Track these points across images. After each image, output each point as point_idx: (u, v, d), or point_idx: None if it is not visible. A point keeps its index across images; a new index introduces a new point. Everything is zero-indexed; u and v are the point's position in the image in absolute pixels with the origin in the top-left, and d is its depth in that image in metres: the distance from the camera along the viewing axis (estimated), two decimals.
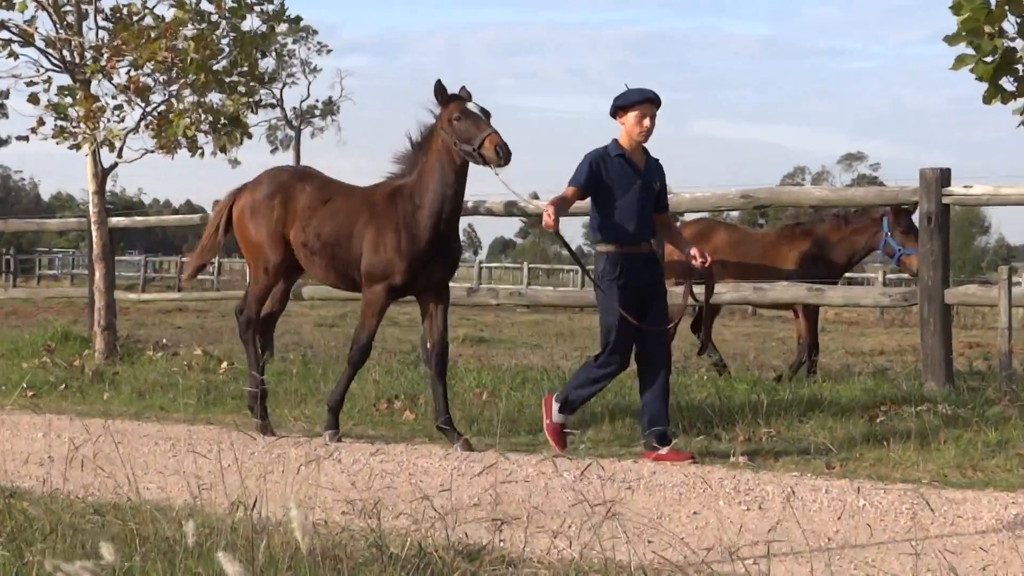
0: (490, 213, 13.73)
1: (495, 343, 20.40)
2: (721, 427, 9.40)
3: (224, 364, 13.66)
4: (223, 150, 14.93)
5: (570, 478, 7.45)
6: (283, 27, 15.37)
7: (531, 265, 62.66)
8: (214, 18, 14.54)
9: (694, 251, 8.81)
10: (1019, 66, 10.17)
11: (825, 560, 5.42)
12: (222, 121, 14.56)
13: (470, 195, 10.13)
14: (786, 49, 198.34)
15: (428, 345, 9.70)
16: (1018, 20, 10.06)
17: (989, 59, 10.04)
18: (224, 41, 14.61)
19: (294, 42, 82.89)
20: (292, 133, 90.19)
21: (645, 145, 8.94)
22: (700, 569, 5.10)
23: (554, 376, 11.96)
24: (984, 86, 10.33)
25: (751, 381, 11.22)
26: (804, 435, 9.08)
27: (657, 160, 9.02)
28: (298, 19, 15.29)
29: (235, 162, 77.63)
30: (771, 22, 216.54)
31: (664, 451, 8.47)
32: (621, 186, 8.79)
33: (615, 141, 8.90)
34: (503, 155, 8.89)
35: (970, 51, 10.11)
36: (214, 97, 14.60)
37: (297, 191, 9.97)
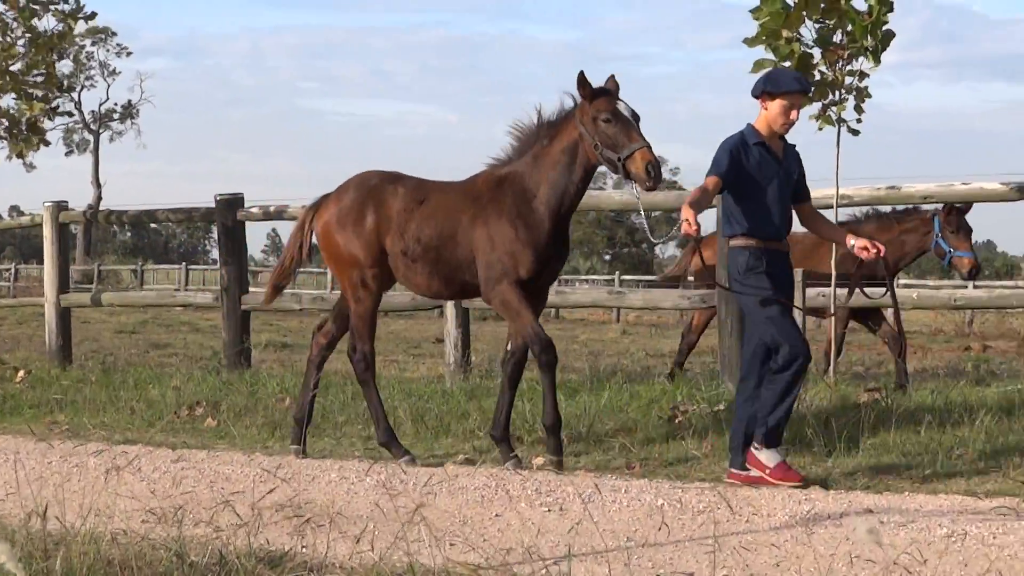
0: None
1: (298, 348, 20.21)
2: (523, 431, 9.45)
3: (21, 373, 13.32)
4: (19, 155, 14.57)
5: (373, 483, 7.43)
6: (81, 27, 15.06)
7: None
8: (7, 17, 14.17)
9: (861, 242, 7.85)
10: (815, 71, 10.47)
11: (624, 559, 5.48)
12: (19, 127, 14.19)
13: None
14: (590, 54, 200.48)
15: (509, 348, 8.68)
16: (815, 25, 10.35)
17: (787, 63, 10.31)
18: (20, 43, 14.25)
19: (92, 44, 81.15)
20: (90, 137, 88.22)
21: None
22: (501, 570, 5.12)
23: (358, 383, 11.88)
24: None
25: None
26: (605, 436, 9.18)
27: (794, 147, 8.10)
28: (93, 15, 14.96)
29: (30, 166, 75.72)
30: (575, 27, 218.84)
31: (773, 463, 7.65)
32: (762, 177, 7.82)
33: (752, 127, 7.89)
34: (654, 175, 7.93)
35: (769, 55, 10.37)
36: (9, 101, 14.23)
37: (389, 195, 8.83)
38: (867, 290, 8.60)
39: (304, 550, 5.56)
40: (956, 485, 7.52)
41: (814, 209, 8.29)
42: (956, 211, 11.99)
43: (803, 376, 7.89)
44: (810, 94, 7.92)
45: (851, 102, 10.47)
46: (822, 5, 10.18)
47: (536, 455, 8.68)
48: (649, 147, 7.97)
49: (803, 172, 8.08)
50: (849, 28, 10.24)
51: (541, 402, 8.55)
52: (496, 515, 6.94)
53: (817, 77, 10.48)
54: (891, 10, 10.23)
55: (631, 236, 78.24)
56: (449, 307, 12.72)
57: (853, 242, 7.84)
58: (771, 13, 10.18)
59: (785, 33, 10.24)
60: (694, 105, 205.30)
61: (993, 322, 30.21)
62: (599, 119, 8.10)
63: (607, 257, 77.75)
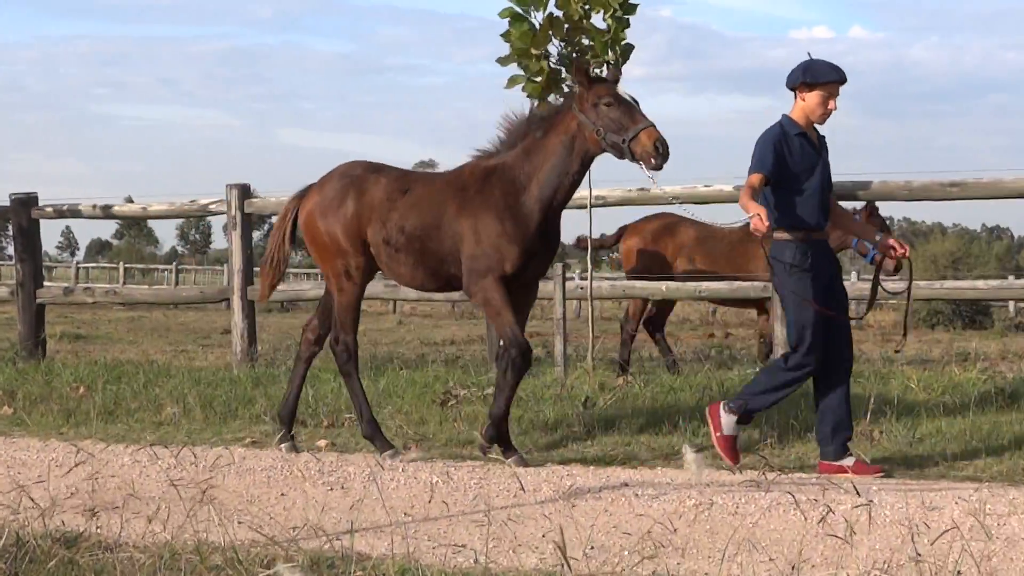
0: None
1: (92, 339, 19.68)
2: (307, 415, 9.36)
3: None
4: None
5: (165, 465, 7.27)
6: None
7: (127, 265, 60.96)
8: None
9: (891, 240, 7.52)
10: (564, 85, 10.63)
11: (403, 533, 5.47)
12: None
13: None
14: (364, 64, 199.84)
15: (502, 343, 7.94)
16: (561, 43, 10.52)
17: (538, 79, 10.46)
18: None
19: None
20: None
21: None
22: (287, 547, 5.06)
23: (150, 371, 11.64)
24: (535, 103, 10.72)
25: (334, 371, 11.21)
26: (384, 419, 9.14)
27: (824, 137, 7.57)
28: None
29: None
30: (351, 40, 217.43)
31: (849, 463, 7.28)
32: (804, 168, 7.33)
33: (789, 118, 7.39)
34: (663, 152, 7.37)
35: (521, 72, 10.52)
36: None
37: (371, 183, 8.17)
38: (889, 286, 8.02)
39: (98, 531, 5.40)
40: (706, 460, 7.66)
41: (836, 202, 7.83)
42: (877, 210, 11.88)
43: (800, 384, 7.46)
44: (845, 82, 7.34)
45: None
46: (566, 25, 10.37)
47: (320, 438, 8.61)
48: (654, 126, 7.42)
49: (829, 163, 7.55)
50: (591, 44, 10.44)
51: (341, 389, 8.28)
52: (282, 494, 6.86)
53: (566, 91, 10.64)
54: (627, 26, 10.45)
55: None
56: (236, 300, 12.57)
57: (878, 238, 7.58)
58: (520, 34, 10.32)
59: (534, 52, 10.39)
60: (460, 113, 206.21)
61: (734, 311, 30.97)
62: (600, 104, 7.54)
63: None
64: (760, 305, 12.06)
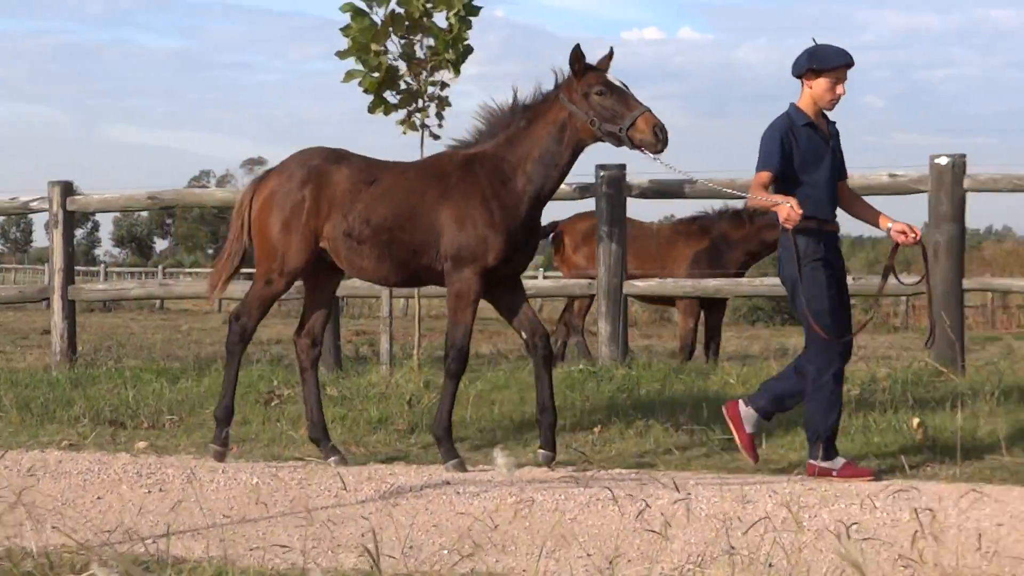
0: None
1: None
2: (127, 417, 9.18)
3: None
4: None
5: None
6: None
7: None
8: None
9: (899, 225, 7.14)
10: (401, 81, 10.62)
11: (221, 535, 5.39)
12: None
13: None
14: (196, 61, 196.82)
15: (526, 336, 7.62)
16: (401, 40, 10.51)
17: (376, 74, 10.45)
18: None
19: None
20: None
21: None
22: (102, 551, 4.95)
23: None
24: (370, 98, 10.70)
25: (156, 371, 11.03)
26: (206, 420, 9.00)
27: (835, 123, 7.32)
28: None
29: None
30: (183, 37, 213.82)
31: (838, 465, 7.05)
32: (814, 158, 7.10)
33: (796, 107, 7.17)
34: (662, 137, 7.17)
35: (359, 66, 10.49)
36: None
37: (333, 175, 7.72)
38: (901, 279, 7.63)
39: None
40: (526, 456, 7.71)
41: (849, 188, 7.53)
42: None
43: (841, 379, 7.15)
44: (853, 65, 7.12)
45: (433, 109, 10.70)
46: (406, 23, 10.37)
47: (140, 439, 8.45)
48: (650, 111, 7.22)
49: (841, 149, 7.34)
50: (431, 43, 10.46)
51: (163, 390, 8.05)
52: (98, 497, 6.71)
53: (403, 87, 10.65)
54: (470, 27, 10.49)
55: None
56: (56, 299, 12.27)
57: (891, 225, 7.19)
58: (360, 29, 10.29)
59: (374, 47, 10.36)
60: (293, 110, 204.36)
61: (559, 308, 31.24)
62: (592, 93, 7.31)
63: (211, 251, 76.44)
64: (684, 303, 12.22)
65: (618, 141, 7.28)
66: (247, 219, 7.95)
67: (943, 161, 10.42)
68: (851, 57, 7.09)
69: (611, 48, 7.44)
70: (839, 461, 7.02)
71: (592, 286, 11.44)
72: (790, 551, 4.71)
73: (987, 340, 20.13)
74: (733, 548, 4.68)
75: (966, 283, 10.67)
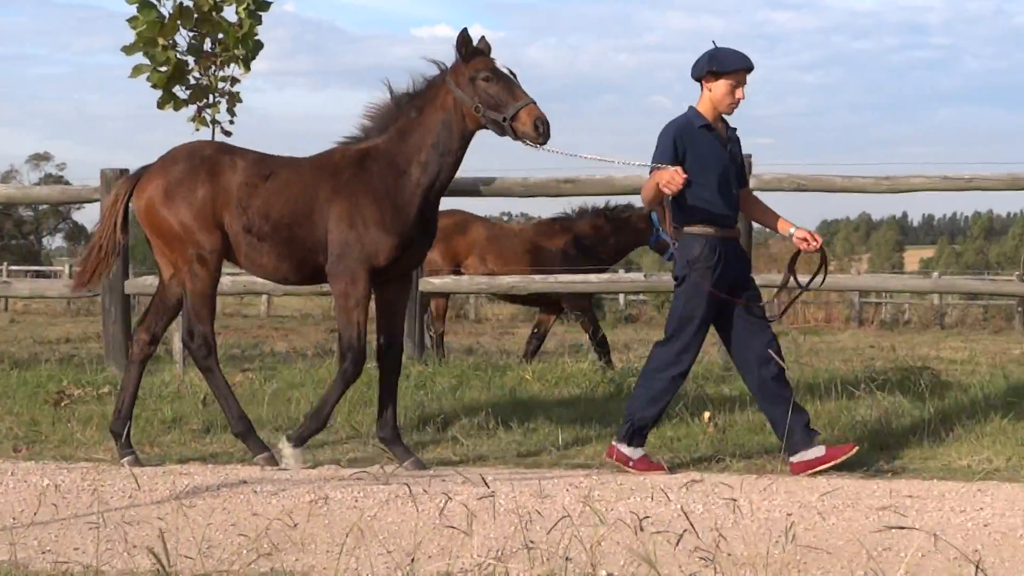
0: None
1: None
2: None
3: None
4: None
5: None
6: None
7: None
8: None
9: (801, 232, 7.11)
10: (190, 76, 10.44)
11: (10, 539, 5.21)
12: None
13: None
14: None
15: (380, 341, 7.45)
16: (189, 34, 10.32)
17: (163, 68, 10.24)
18: None
19: None
20: None
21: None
22: None
23: None
24: (159, 93, 10.49)
25: None
26: None
27: (735, 129, 7.27)
28: None
29: None
30: None
31: (820, 452, 7.02)
32: (710, 161, 7.02)
33: (695, 110, 7.12)
34: (543, 131, 6.98)
35: (147, 61, 10.27)
36: None
37: (226, 166, 7.39)
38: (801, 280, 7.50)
39: None
40: (323, 454, 7.66)
41: (751, 193, 7.59)
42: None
43: (680, 386, 7.27)
44: (752, 69, 7.12)
45: (224, 105, 10.55)
46: (195, 16, 10.20)
47: None
48: (535, 103, 7.03)
49: (742, 155, 7.35)
50: (221, 37, 10.31)
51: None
52: None
53: (192, 82, 10.47)
54: (260, 22, 10.38)
55: (19, 228, 75.17)
56: None
57: (792, 231, 7.17)
58: (147, 23, 10.10)
59: (161, 41, 10.17)
60: (79, 105, 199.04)
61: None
62: (478, 79, 7.11)
63: None
64: (549, 302, 12.34)
65: (500, 130, 7.09)
66: (120, 216, 7.55)
67: None
68: (751, 61, 7.10)
69: (483, 37, 7.27)
70: (638, 452, 7.10)
71: (454, 284, 11.51)
72: (588, 544, 4.76)
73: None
74: (532, 543, 4.70)
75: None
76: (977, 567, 3.60)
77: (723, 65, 7.04)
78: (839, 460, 6.94)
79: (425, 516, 5.68)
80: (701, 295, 7.00)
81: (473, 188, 11.14)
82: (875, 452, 7.56)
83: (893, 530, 5.37)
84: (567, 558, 4.42)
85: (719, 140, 7.10)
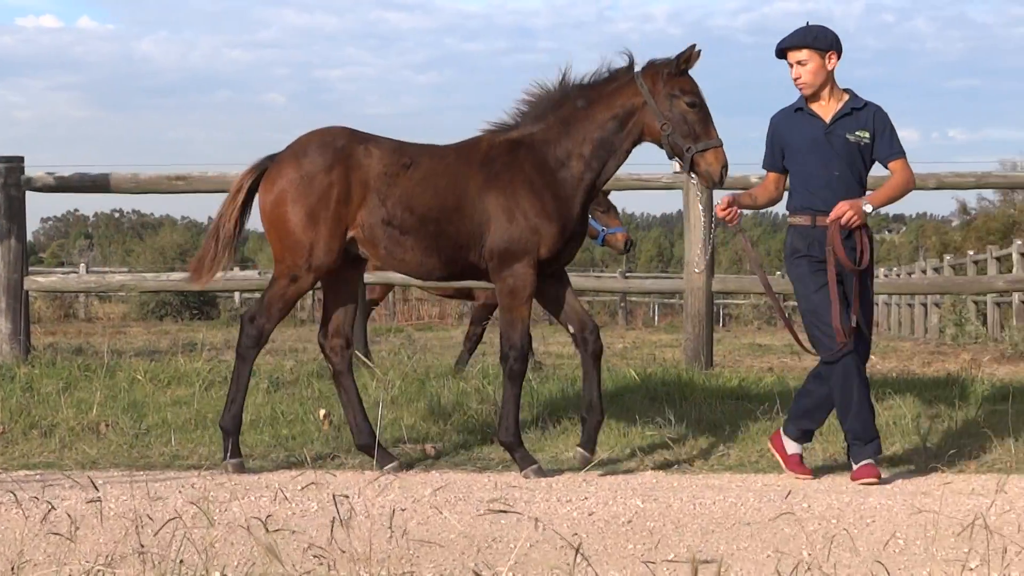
0: None
1: None
2: None
3: None
4: None
5: None
6: None
7: None
8: None
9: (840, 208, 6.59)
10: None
11: None
12: None
13: None
14: None
15: (574, 331, 6.98)
16: None
17: None
18: None
19: None
20: None
21: (846, 89, 6.79)
22: None
23: None
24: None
25: None
26: None
27: (865, 104, 6.72)
28: None
29: None
30: None
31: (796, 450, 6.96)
32: (802, 145, 6.72)
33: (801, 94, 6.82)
34: (722, 179, 6.76)
35: None
36: None
37: (362, 157, 6.85)
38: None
39: None
40: None
41: (898, 169, 6.78)
42: (603, 193, 11.28)
43: (860, 373, 6.67)
44: (802, 46, 6.69)
45: None
46: None
47: None
48: (723, 146, 6.78)
49: (880, 131, 6.72)
50: None
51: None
52: None
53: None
54: None
55: None
56: None
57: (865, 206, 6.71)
58: None
59: None
60: None
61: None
62: (681, 99, 6.76)
63: None
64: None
65: (678, 156, 6.83)
66: (239, 210, 7.14)
67: None
68: (786, 41, 6.79)
69: (699, 52, 6.85)
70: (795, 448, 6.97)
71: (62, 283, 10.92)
72: (201, 547, 4.69)
73: (389, 331, 20.93)
74: (144, 547, 4.60)
75: (368, 277, 11.01)
76: (577, 551, 3.74)
77: (777, 46, 6.86)
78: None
79: (32, 522, 5.46)
80: (808, 286, 6.71)
81: (88, 184, 10.83)
82: (486, 446, 7.77)
83: (503, 522, 5.54)
84: (180, 560, 4.35)
85: (816, 122, 6.79)
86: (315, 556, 4.49)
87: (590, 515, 5.90)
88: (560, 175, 6.89)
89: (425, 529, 5.53)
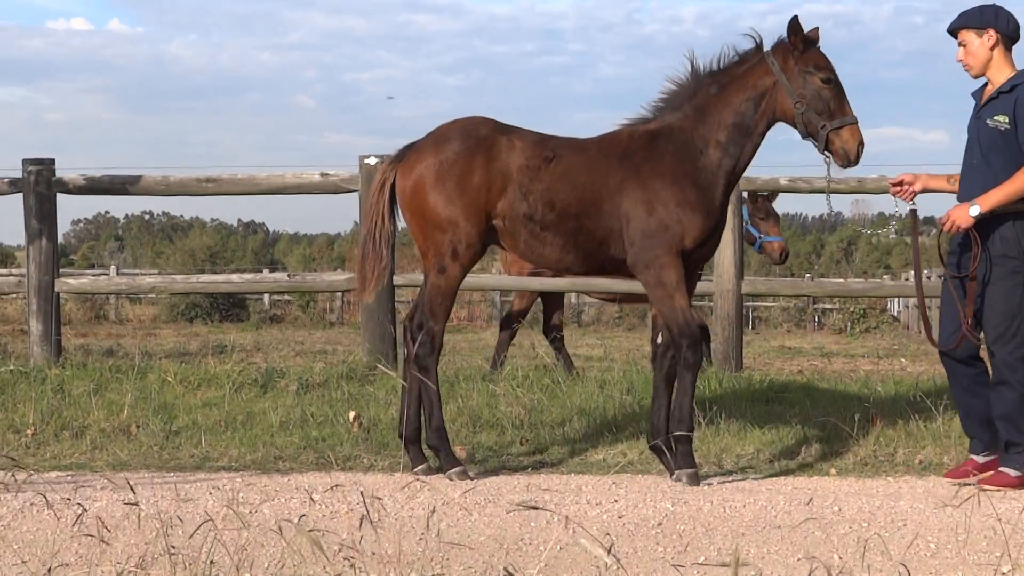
0: None
1: None
2: None
3: None
4: None
5: None
6: None
7: None
8: None
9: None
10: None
11: None
12: None
13: None
14: None
15: (659, 340, 6.95)
16: None
17: None
18: None
19: None
20: None
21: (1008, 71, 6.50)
22: None
23: None
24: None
25: None
26: None
27: (1017, 86, 6.40)
28: None
29: None
30: None
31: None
32: (968, 132, 6.59)
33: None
34: (858, 157, 6.64)
35: None
36: None
37: (504, 148, 6.77)
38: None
39: None
40: None
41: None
42: (763, 198, 11.39)
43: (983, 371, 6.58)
44: (968, 26, 6.48)
45: None
46: None
47: None
48: (858, 123, 6.68)
49: (1003, 120, 6.41)
50: None
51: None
52: None
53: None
54: None
55: None
56: None
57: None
58: None
59: None
60: None
61: None
62: (816, 76, 6.66)
63: None
64: None
65: (812, 135, 6.71)
66: (387, 205, 6.99)
67: (372, 161, 10.70)
68: (954, 22, 6.58)
69: (816, 28, 6.77)
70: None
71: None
72: (232, 548, 4.71)
73: None
74: (174, 548, 4.62)
75: (398, 279, 11.01)
76: (609, 552, 3.74)
77: (948, 29, 6.66)
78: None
79: (64, 524, 5.49)
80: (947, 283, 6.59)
81: (122, 187, 10.89)
82: (516, 446, 7.77)
83: (532, 524, 5.53)
84: (211, 562, 4.37)
85: (976, 106, 6.64)
86: (345, 558, 4.49)
87: (620, 518, 5.89)
88: (699, 163, 6.77)
89: (455, 531, 5.53)
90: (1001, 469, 6.50)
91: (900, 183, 6.73)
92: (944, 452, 7.48)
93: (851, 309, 29.45)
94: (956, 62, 6.58)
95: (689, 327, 6.66)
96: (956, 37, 6.58)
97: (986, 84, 6.56)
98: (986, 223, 6.39)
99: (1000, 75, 6.48)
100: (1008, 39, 6.51)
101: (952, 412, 8.29)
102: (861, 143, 6.67)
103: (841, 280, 35.54)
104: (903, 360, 15.30)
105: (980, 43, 6.47)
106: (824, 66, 6.71)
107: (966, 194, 6.46)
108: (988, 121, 6.44)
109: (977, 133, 6.50)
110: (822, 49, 6.79)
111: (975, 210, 6.35)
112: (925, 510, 6.01)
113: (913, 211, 6.83)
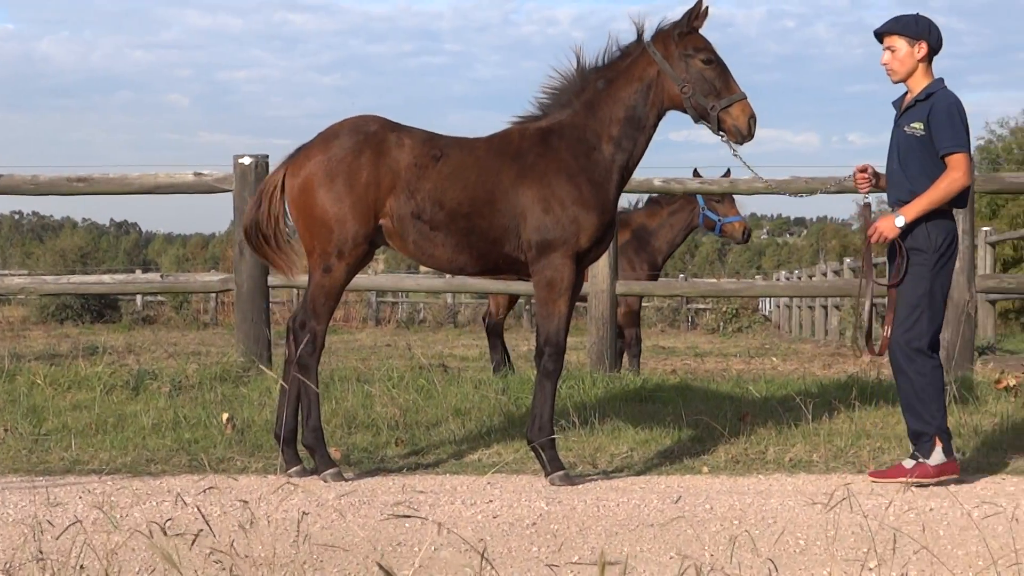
0: None
1: None
2: None
3: None
4: None
5: None
6: None
7: None
8: None
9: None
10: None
11: None
12: None
13: None
14: None
15: (540, 338, 6.74)
16: None
17: None
18: None
19: None
20: None
21: (927, 81, 6.66)
22: None
23: None
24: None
25: None
26: None
27: (932, 94, 6.57)
28: None
29: None
30: None
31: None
32: (891, 137, 6.73)
33: None
34: (751, 132, 6.63)
35: None
36: None
37: (393, 146, 6.67)
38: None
39: None
40: None
41: (948, 165, 6.54)
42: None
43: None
44: (892, 32, 6.64)
45: None
46: None
47: None
48: (747, 99, 6.67)
49: (936, 121, 6.52)
50: None
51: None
52: None
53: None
54: None
55: None
56: None
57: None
58: None
59: None
60: None
61: None
62: (697, 58, 6.66)
63: None
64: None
65: (704, 118, 6.71)
66: (277, 204, 6.91)
67: (247, 161, 10.59)
68: (882, 26, 6.71)
69: (706, 8, 6.74)
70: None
71: None
72: (102, 552, 4.63)
73: None
74: (43, 553, 4.53)
75: (272, 279, 10.90)
76: (483, 556, 3.74)
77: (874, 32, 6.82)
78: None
79: None
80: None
81: None
82: (391, 447, 7.75)
83: (407, 526, 5.52)
84: (81, 567, 4.29)
85: (897, 114, 6.81)
86: (217, 561, 4.44)
87: (495, 518, 5.90)
88: (593, 159, 6.77)
89: (329, 533, 5.50)
90: (920, 461, 6.65)
91: (865, 170, 6.85)
92: (813, 450, 7.61)
93: (724, 309, 29.90)
94: (883, 64, 6.72)
95: (557, 337, 6.68)
96: (882, 40, 6.73)
97: (906, 93, 6.77)
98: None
99: (918, 85, 6.68)
100: (933, 52, 6.72)
101: (821, 410, 8.45)
102: (752, 117, 6.71)
103: (714, 280, 36.11)
104: (774, 359, 15.55)
105: (910, 52, 6.66)
106: (703, 47, 6.74)
107: (889, 196, 6.71)
108: (906, 128, 6.64)
109: (897, 139, 6.70)
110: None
111: (900, 220, 6.54)
112: (795, 507, 6.11)
113: (867, 204, 7.05)
